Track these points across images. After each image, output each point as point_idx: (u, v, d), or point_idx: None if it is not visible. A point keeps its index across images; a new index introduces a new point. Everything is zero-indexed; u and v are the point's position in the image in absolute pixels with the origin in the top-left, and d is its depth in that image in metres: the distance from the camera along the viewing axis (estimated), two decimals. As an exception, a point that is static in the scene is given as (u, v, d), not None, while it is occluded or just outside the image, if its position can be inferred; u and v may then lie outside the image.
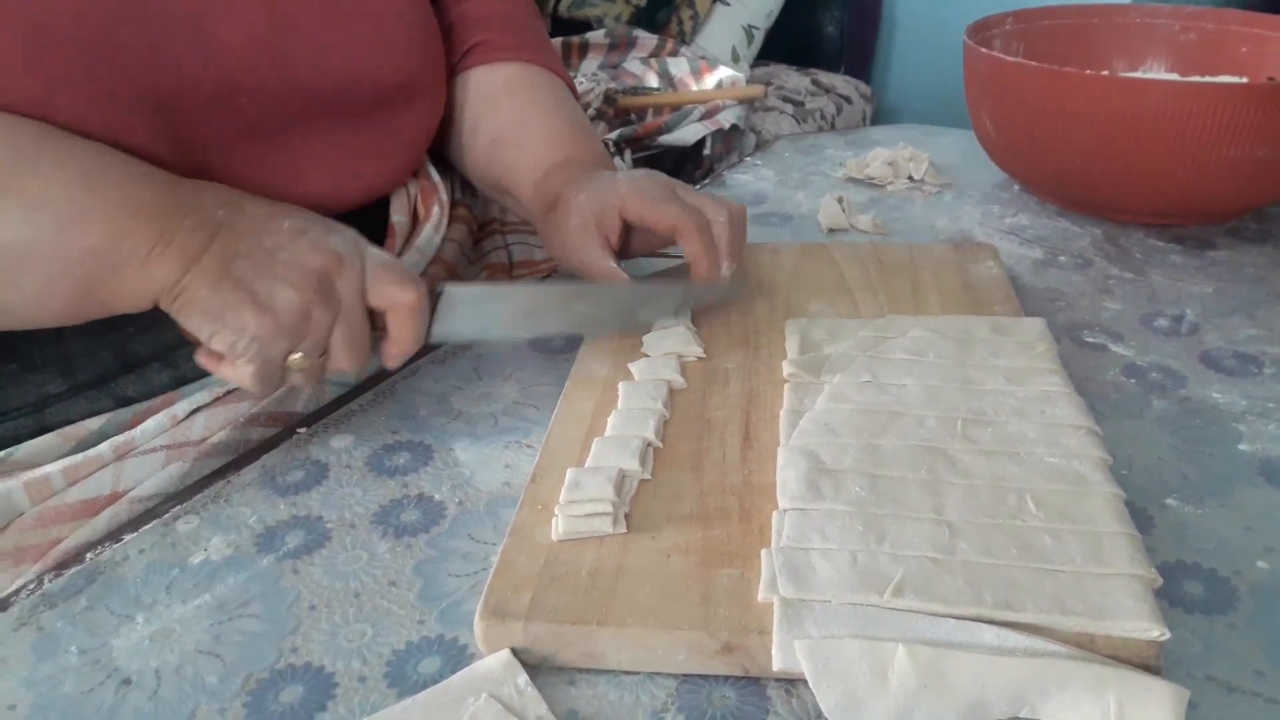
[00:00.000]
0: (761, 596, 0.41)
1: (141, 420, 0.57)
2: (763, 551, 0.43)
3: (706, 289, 0.63)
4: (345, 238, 0.54)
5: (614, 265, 0.62)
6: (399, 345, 0.55)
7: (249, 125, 0.58)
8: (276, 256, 0.51)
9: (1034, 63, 0.82)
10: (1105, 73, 0.98)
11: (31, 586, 0.47)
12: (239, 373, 0.51)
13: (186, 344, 0.53)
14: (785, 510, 0.45)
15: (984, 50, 0.87)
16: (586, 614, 0.40)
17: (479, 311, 0.58)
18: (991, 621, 0.39)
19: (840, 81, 2.29)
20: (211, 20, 0.55)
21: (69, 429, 0.56)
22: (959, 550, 0.42)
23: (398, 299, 0.53)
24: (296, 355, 0.51)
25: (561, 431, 0.53)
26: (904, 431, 0.51)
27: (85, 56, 0.50)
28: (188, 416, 0.57)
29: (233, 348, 0.49)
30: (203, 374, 0.57)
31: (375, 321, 0.54)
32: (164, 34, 0.53)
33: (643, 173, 0.65)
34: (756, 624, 0.40)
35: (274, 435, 0.58)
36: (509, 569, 0.43)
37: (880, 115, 2.59)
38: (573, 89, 0.79)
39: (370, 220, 0.68)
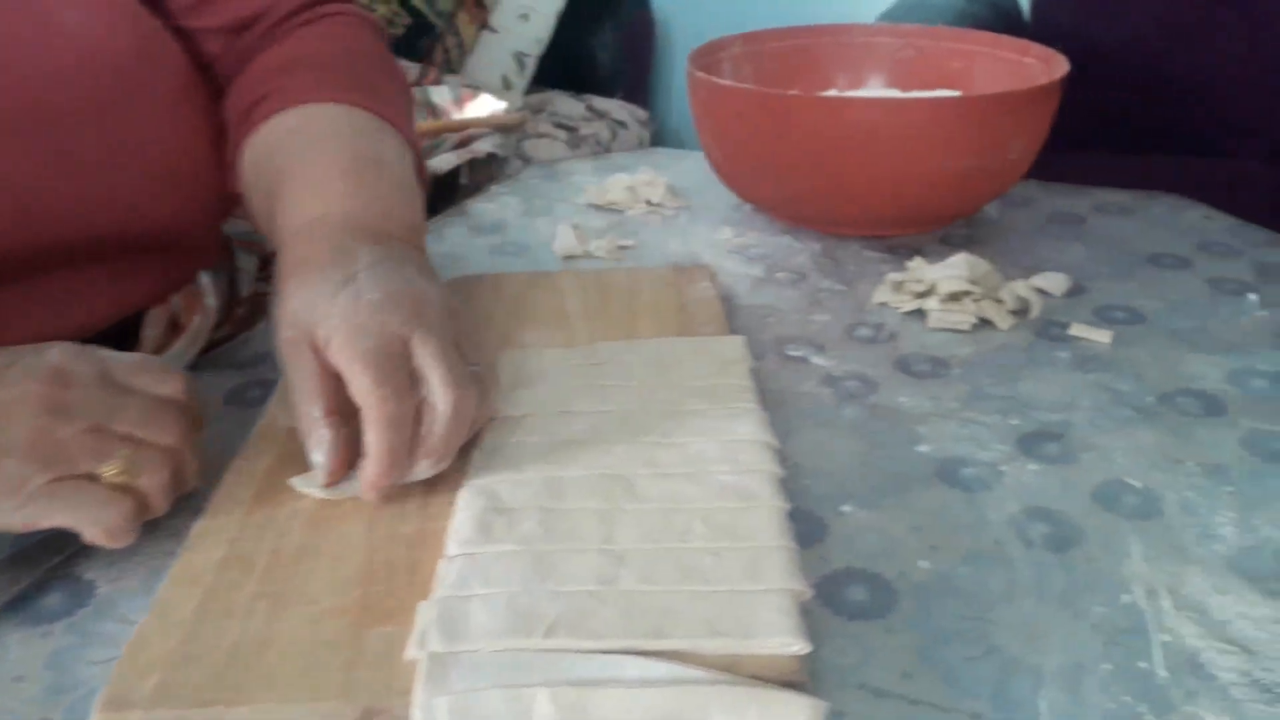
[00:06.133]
0: (408, 654, 0.39)
1: None
2: (419, 604, 0.41)
3: None
4: (64, 350, 0.47)
5: (319, 417, 0.47)
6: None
7: None
8: None
9: (745, 85, 0.84)
10: (833, 91, 1.02)
11: None
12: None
13: None
14: (454, 556, 0.44)
15: (700, 75, 0.88)
16: (218, 694, 0.37)
17: None
18: (642, 652, 0.38)
19: (615, 106, 2.31)
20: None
21: None
22: (620, 580, 0.41)
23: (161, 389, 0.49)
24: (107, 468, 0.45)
25: (230, 490, 0.50)
26: (590, 460, 0.50)
27: None
28: None
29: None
30: None
31: None
32: None
33: (401, 285, 0.50)
34: (402, 684, 0.38)
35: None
36: (141, 649, 0.40)
37: (664, 138, 2.63)
38: (405, 133, 0.65)
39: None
